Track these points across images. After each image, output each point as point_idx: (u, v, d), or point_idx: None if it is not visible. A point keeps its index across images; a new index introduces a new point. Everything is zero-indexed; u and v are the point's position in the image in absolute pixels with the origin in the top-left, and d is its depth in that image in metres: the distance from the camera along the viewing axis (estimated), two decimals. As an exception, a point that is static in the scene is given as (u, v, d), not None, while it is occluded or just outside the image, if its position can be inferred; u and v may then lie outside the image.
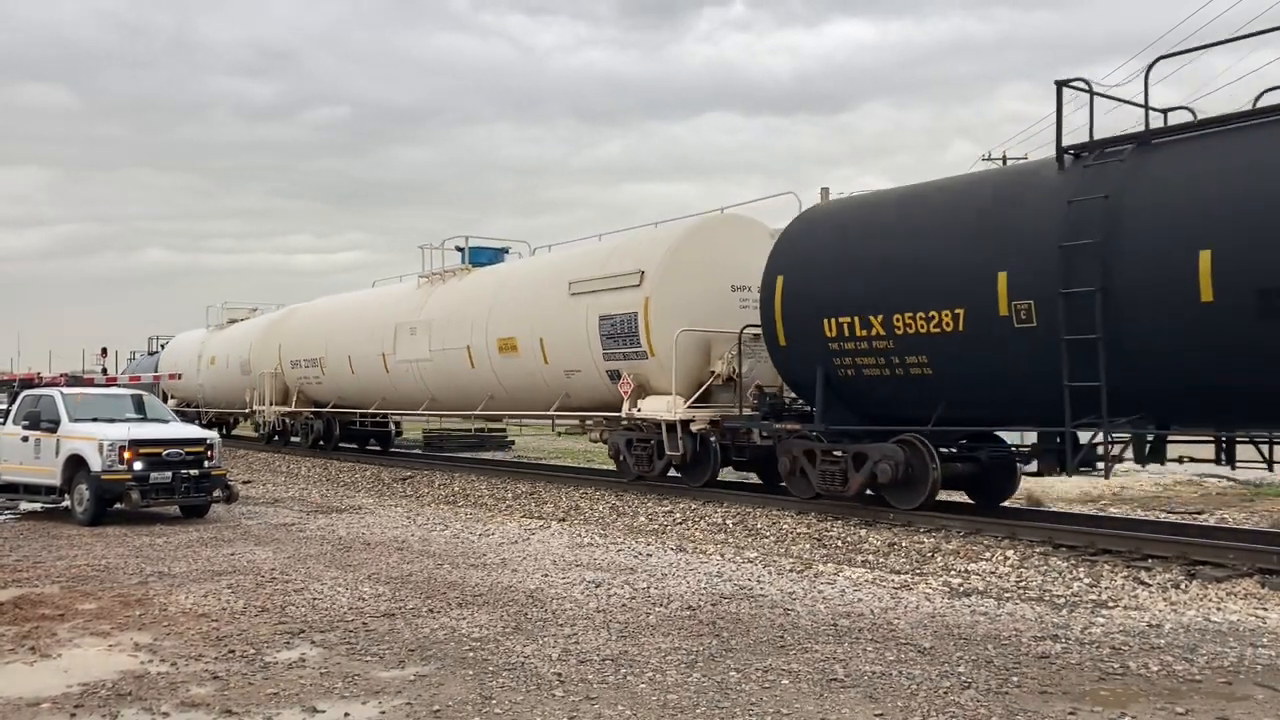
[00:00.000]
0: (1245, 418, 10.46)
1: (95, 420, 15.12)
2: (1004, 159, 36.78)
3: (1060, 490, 17.54)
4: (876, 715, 5.69)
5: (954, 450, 13.27)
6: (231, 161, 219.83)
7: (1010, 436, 13.63)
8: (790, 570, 10.24)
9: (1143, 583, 9.25)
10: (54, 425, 15.15)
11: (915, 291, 11.96)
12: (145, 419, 15.88)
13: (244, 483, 19.97)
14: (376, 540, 12.56)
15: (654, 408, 15.68)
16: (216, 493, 15.02)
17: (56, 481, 14.99)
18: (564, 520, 14.56)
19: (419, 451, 29.61)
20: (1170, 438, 11.17)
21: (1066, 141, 11.19)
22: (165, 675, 6.61)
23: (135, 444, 14.47)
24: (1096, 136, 11.04)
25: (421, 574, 10.16)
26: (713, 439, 15.60)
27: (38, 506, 16.01)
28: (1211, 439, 11.07)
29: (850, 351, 12.76)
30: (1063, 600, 8.72)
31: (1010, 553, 10.65)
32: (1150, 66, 10.89)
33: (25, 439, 15.53)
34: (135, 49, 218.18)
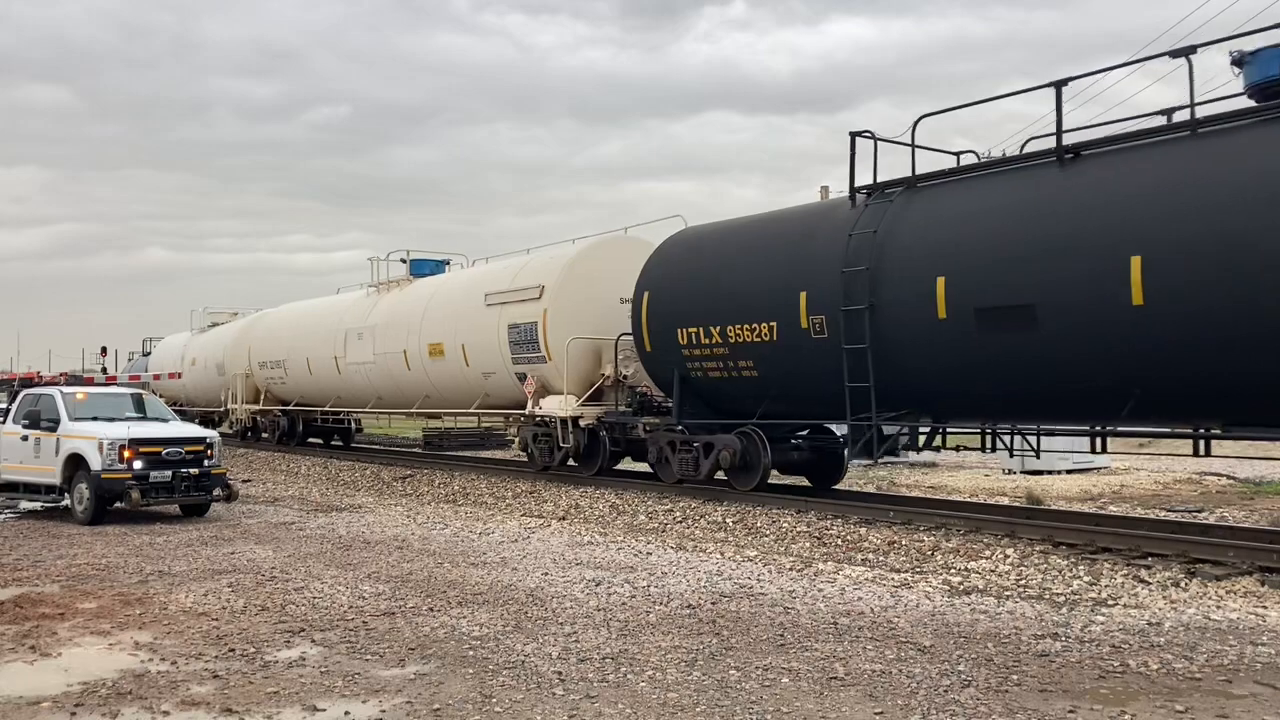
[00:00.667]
0: (991, 414, 12.49)
1: (95, 419, 15.12)
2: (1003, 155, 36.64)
3: (1060, 489, 17.55)
4: (876, 714, 5.70)
5: (793, 441, 15.34)
6: (232, 161, 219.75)
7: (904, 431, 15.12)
8: (790, 569, 10.25)
9: (1142, 581, 9.25)
10: (54, 424, 15.15)
11: (743, 307, 14.20)
12: (145, 418, 15.88)
13: (244, 481, 19.98)
14: (377, 539, 12.57)
15: (551, 406, 17.77)
16: (216, 491, 15.02)
17: (56, 480, 14.99)
18: (564, 519, 14.56)
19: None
20: (949, 429, 13.53)
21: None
22: (165, 674, 6.61)
23: (135, 443, 14.47)
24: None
25: (422, 573, 10.16)
26: (602, 433, 17.47)
27: (38, 505, 16.01)
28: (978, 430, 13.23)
29: (698, 357, 15.04)
30: (1063, 598, 8.72)
31: (1010, 551, 10.65)
32: (918, 121, 12.93)
33: (25, 438, 15.53)
34: (136, 49, 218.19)
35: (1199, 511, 14.65)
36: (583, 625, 7.82)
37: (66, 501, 15.06)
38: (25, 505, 16.28)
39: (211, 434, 15.75)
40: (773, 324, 13.71)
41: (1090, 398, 10.93)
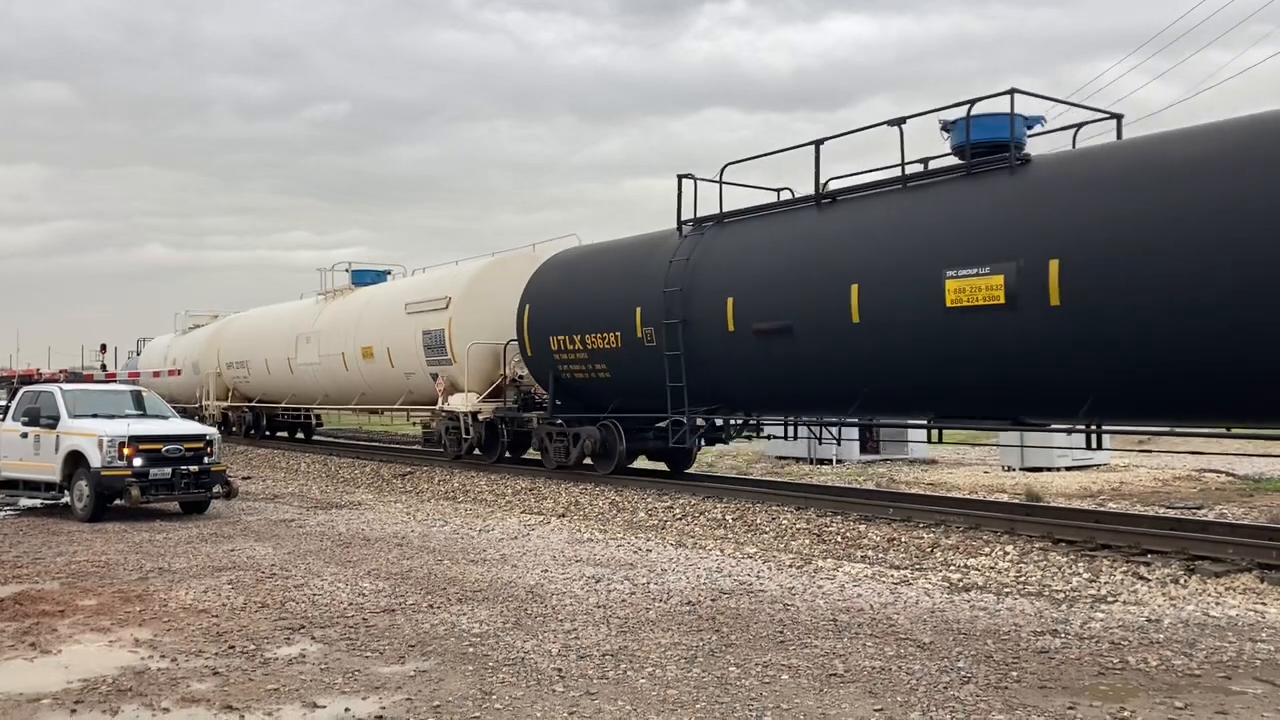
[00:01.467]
0: (781, 408, 15.38)
1: (95, 416, 15.13)
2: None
3: (1059, 486, 17.57)
4: (876, 710, 5.70)
5: (648, 432, 17.43)
6: (231, 159, 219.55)
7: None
8: (790, 566, 10.25)
9: (1142, 578, 9.25)
10: (53, 422, 15.14)
11: (597, 319, 16.76)
12: (145, 415, 15.89)
13: (243, 479, 19.98)
14: (376, 536, 12.57)
15: (456, 402, 20.24)
16: (216, 489, 15.03)
17: (56, 478, 14.99)
18: (564, 516, 14.57)
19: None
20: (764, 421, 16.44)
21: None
22: (165, 671, 6.62)
23: (135, 440, 14.47)
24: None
25: (421, 570, 10.16)
26: (500, 425, 19.97)
27: (37, 503, 16.02)
28: (782, 423, 15.99)
29: (567, 361, 17.60)
30: (1062, 595, 8.73)
31: (1010, 548, 10.66)
32: (724, 167, 15.57)
33: (25, 435, 15.54)
34: (136, 47, 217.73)
35: (1198, 508, 14.66)
36: (582, 622, 7.82)
37: (66, 499, 15.07)
38: (25, 502, 16.29)
39: (211, 431, 15.74)
40: (618, 334, 16.42)
41: (837, 396, 13.47)
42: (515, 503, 16.26)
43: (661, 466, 18.84)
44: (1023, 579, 9.42)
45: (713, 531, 12.81)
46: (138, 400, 16.41)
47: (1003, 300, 11.11)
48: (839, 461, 22.54)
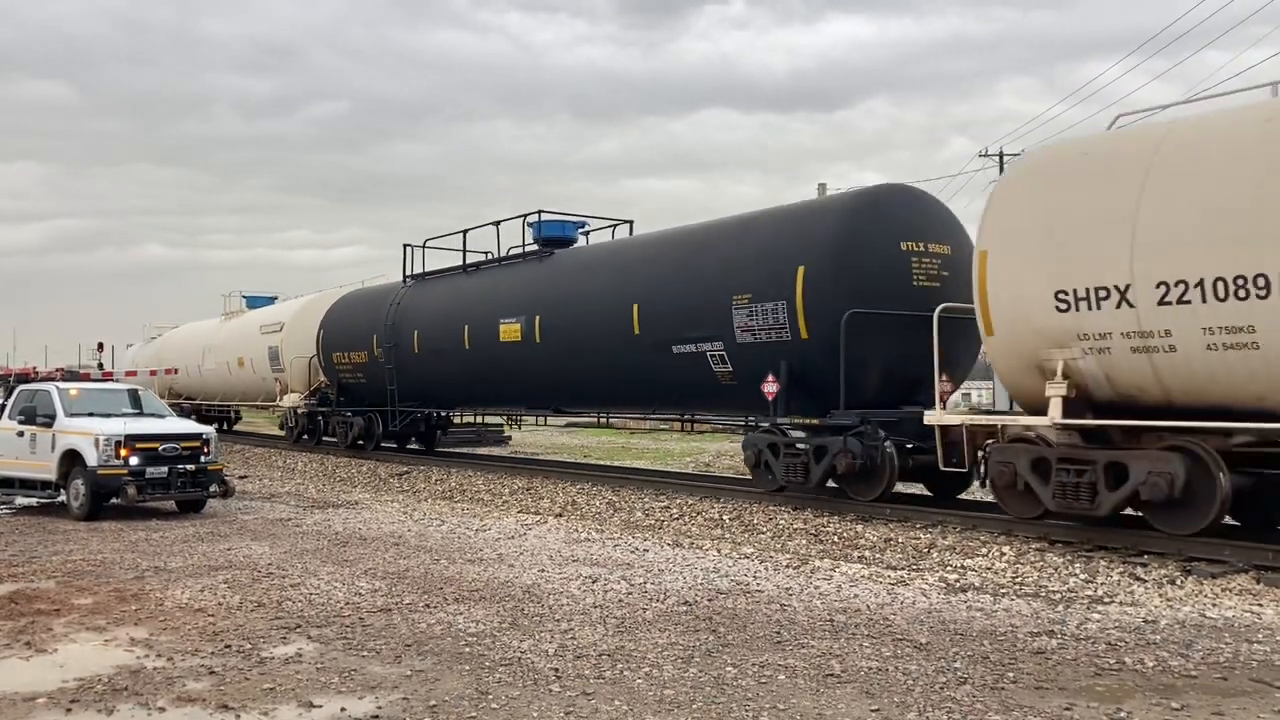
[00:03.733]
0: (462, 404, 23.31)
1: (91, 415, 15.09)
2: (1000, 155, 36.91)
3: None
4: (873, 711, 5.70)
5: (405, 420, 24.12)
6: (231, 156, 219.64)
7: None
8: (787, 566, 10.25)
9: (1139, 579, 9.26)
10: (50, 420, 15.12)
11: (356, 340, 24.37)
12: (141, 414, 15.86)
13: (240, 478, 19.95)
14: (373, 535, 12.56)
15: (288, 400, 27.67)
16: (213, 488, 15.00)
17: (52, 476, 14.96)
18: (561, 516, 14.56)
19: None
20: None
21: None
22: (161, 670, 6.61)
23: (131, 439, 14.45)
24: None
25: (418, 569, 10.15)
26: (319, 417, 26.77)
27: (33, 502, 15.98)
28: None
29: (344, 369, 25.20)
30: (1059, 596, 8.74)
31: (1006, 549, 10.66)
32: (426, 241, 23.66)
33: (21, 434, 15.50)
34: (137, 45, 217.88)
35: (1195, 509, 14.65)
36: (579, 622, 7.82)
37: (62, 497, 15.04)
38: (21, 501, 16.25)
39: (208, 430, 15.70)
40: (366, 352, 23.94)
41: (461, 395, 22.25)
42: (512, 502, 16.25)
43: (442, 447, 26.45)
44: (1019, 580, 9.43)
45: (710, 531, 12.81)
46: (134, 399, 16.37)
47: (520, 339, 18.84)
48: None
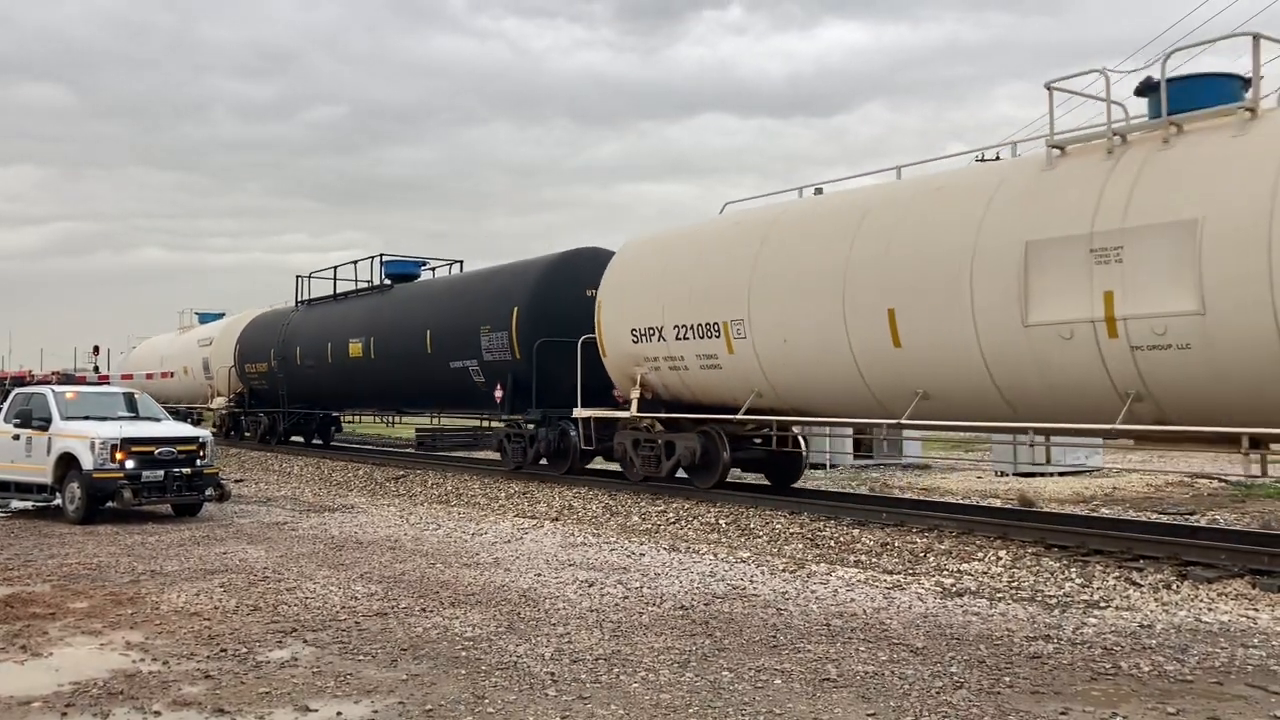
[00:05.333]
0: (326, 406, 28.76)
1: (87, 419, 15.07)
2: (997, 158, 36.94)
3: (1052, 491, 17.58)
4: (869, 715, 5.70)
5: (307, 418, 29.95)
6: (229, 160, 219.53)
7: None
8: (783, 570, 10.25)
9: (1134, 583, 9.27)
10: (46, 423, 15.09)
11: (259, 354, 29.47)
12: (137, 417, 15.83)
13: (236, 481, 19.93)
14: (369, 539, 12.55)
15: (216, 402, 33.22)
16: (209, 491, 14.98)
17: (48, 480, 14.93)
18: (557, 520, 14.55)
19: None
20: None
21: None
22: (157, 674, 6.60)
23: (127, 442, 14.42)
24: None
25: (414, 573, 10.14)
26: (239, 417, 31.87)
27: (29, 505, 15.95)
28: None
29: (254, 376, 30.26)
30: (1055, 600, 8.74)
31: (1002, 553, 10.67)
32: (311, 274, 29.34)
33: (16, 437, 15.47)
34: (135, 49, 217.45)
35: (1190, 514, 14.67)
36: (575, 626, 7.81)
37: (58, 501, 15.01)
38: (16, 504, 16.22)
39: (204, 433, 15.68)
40: (266, 363, 29.08)
41: (334, 398, 27.47)
42: (509, 506, 16.24)
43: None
44: (1015, 584, 9.43)
45: (706, 535, 12.81)
46: (130, 402, 16.35)
47: (361, 355, 24.05)
48: (832, 466, 22.56)
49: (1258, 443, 9.89)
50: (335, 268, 27.61)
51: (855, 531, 12.27)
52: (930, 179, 13.02)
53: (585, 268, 18.37)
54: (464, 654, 7.03)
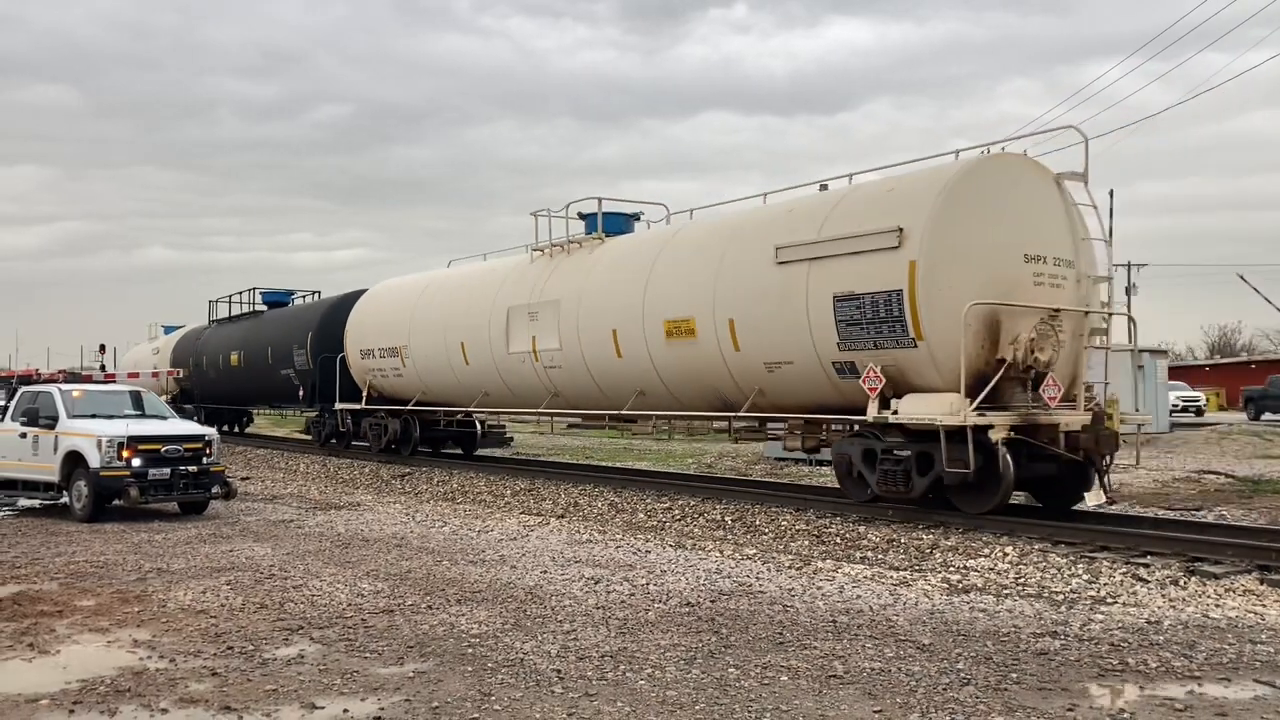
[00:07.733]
0: (234, 402, 35.16)
1: (94, 417, 15.09)
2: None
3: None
4: (876, 712, 5.69)
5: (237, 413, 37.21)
6: (233, 160, 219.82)
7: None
8: (789, 567, 10.25)
9: (1141, 579, 9.25)
10: (52, 422, 15.12)
11: (183, 361, 36.17)
12: (144, 415, 15.85)
13: (242, 479, 19.97)
14: (375, 537, 12.56)
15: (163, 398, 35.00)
16: (215, 489, 15.00)
17: (55, 478, 14.96)
18: (563, 517, 14.56)
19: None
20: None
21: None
22: (164, 672, 6.61)
23: (134, 441, 14.44)
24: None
25: (420, 570, 10.15)
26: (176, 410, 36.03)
27: (36, 503, 16.00)
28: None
29: (181, 380, 35.34)
30: (1061, 597, 8.73)
31: (1009, 549, 10.66)
32: (234, 295, 36.29)
33: (23, 435, 15.50)
34: (140, 49, 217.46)
35: (1198, 510, 14.65)
36: (582, 623, 7.82)
37: (65, 499, 15.05)
38: (24, 503, 16.27)
39: (210, 431, 15.71)
40: (188, 369, 34.63)
41: (236, 400, 34.42)
42: (514, 504, 16.25)
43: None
44: (1022, 580, 9.42)
45: (712, 533, 12.81)
46: (136, 401, 16.36)
47: (238, 364, 31.26)
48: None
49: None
50: (240, 293, 34.99)
51: (861, 528, 12.27)
52: (476, 265, 22.62)
53: (353, 305, 25.84)
54: (470, 651, 7.04)
